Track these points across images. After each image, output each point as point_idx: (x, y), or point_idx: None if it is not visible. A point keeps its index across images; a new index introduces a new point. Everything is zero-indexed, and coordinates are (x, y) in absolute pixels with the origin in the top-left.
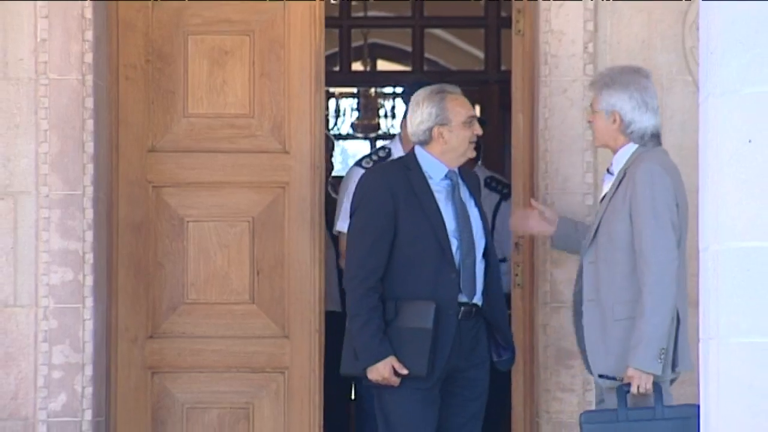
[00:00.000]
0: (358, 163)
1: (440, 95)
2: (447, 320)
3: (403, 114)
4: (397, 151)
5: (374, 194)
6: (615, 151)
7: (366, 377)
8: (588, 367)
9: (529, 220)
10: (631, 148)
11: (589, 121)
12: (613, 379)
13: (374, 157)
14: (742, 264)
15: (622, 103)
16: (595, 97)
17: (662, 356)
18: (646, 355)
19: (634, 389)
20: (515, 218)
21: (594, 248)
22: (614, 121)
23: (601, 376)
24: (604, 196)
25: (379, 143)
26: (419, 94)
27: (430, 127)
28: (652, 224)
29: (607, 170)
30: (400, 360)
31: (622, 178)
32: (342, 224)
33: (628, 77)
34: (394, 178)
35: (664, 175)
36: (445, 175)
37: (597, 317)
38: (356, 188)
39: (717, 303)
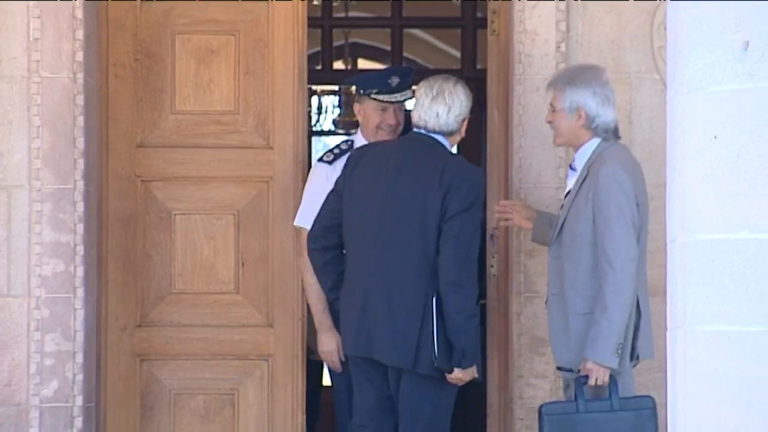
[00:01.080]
0: (320, 159)
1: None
2: None
3: (355, 103)
4: (360, 143)
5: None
6: (576, 148)
7: (445, 371)
8: None
9: (512, 213)
10: (594, 143)
11: (549, 122)
12: (570, 371)
13: (336, 151)
14: (707, 255)
15: (587, 99)
16: (557, 96)
17: (619, 351)
18: (605, 349)
19: (591, 382)
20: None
21: (558, 244)
22: (579, 117)
23: (559, 368)
24: (568, 192)
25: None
26: (449, 84)
27: (465, 118)
28: (615, 225)
29: (570, 166)
30: None
31: (586, 175)
32: (300, 220)
33: (588, 74)
34: None
35: (625, 175)
36: None
37: (560, 311)
38: (476, 184)
39: (684, 293)
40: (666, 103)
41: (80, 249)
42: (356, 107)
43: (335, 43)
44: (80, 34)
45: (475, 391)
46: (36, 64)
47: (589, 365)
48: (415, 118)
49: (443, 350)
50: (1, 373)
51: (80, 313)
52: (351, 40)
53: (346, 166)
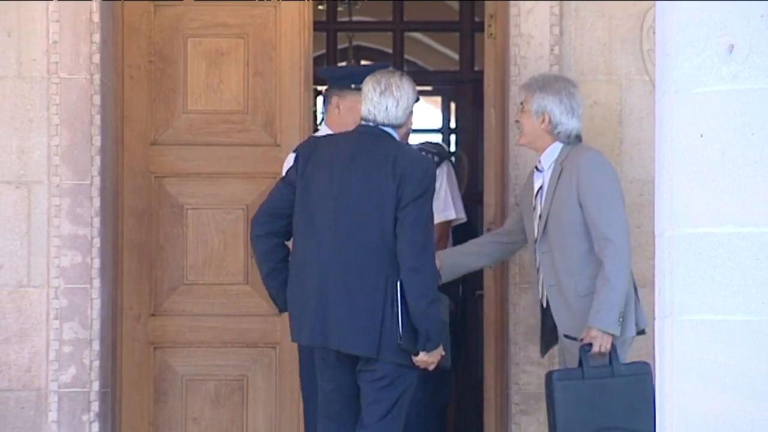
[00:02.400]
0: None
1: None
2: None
3: (333, 96)
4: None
5: (434, 179)
6: (540, 151)
7: (409, 357)
8: (541, 349)
9: None
10: (558, 146)
11: (517, 120)
12: (575, 339)
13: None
14: (693, 248)
15: (553, 105)
16: (528, 97)
17: (620, 320)
18: (608, 317)
19: (596, 348)
20: None
21: (545, 240)
22: (543, 121)
23: (566, 336)
24: (539, 190)
25: None
26: (396, 78)
27: (411, 111)
28: (607, 203)
29: (536, 168)
30: None
31: (561, 171)
32: None
33: (560, 84)
34: None
35: (608, 160)
36: None
37: (561, 298)
38: (428, 172)
39: (671, 284)
40: (655, 104)
41: (97, 242)
42: (335, 100)
43: (340, 46)
44: (97, 37)
45: (472, 378)
46: (55, 66)
47: (593, 333)
48: (364, 112)
49: (407, 334)
50: (21, 359)
51: (97, 303)
52: (355, 42)
53: (297, 158)
